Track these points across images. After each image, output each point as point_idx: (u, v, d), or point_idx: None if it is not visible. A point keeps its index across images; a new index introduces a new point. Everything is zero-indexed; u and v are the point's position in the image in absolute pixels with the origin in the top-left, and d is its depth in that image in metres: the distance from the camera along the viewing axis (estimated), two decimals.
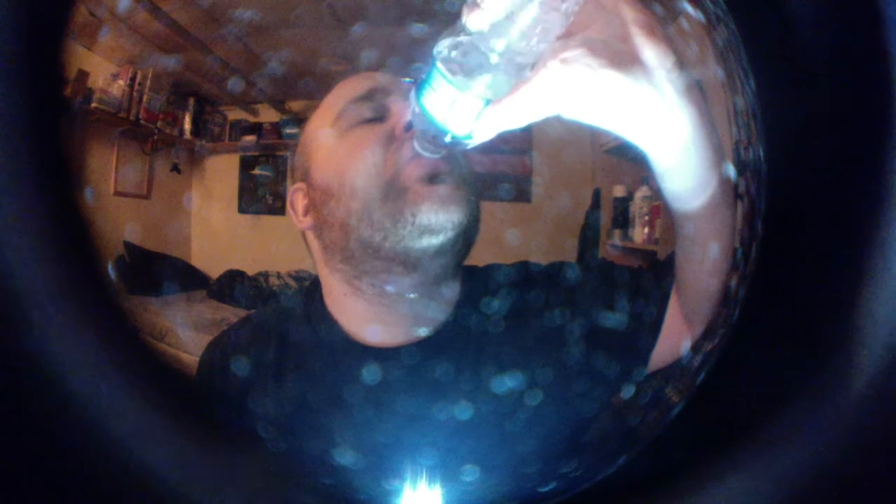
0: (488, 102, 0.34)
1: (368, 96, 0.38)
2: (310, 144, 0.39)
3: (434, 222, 0.36)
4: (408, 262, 0.37)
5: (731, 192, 0.40)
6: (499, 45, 0.32)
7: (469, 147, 0.36)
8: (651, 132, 0.35)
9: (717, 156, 0.37)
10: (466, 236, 0.38)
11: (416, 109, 0.35)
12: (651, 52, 0.32)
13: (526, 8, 0.31)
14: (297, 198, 0.39)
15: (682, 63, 0.33)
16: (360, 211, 0.37)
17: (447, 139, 0.35)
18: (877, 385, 0.40)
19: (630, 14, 0.33)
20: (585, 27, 0.33)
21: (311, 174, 0.39)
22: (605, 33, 0.32)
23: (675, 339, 0.42)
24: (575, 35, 0.33)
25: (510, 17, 0.31)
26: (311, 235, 0.40)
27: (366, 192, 0.37)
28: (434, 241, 0.36)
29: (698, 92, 0.35)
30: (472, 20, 0.32)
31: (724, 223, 0.40)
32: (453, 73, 0.33)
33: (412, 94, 0.35)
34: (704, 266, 0.41)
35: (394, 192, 0.36)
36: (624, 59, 0.32)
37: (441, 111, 0.34)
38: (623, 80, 0.32)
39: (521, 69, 0.33)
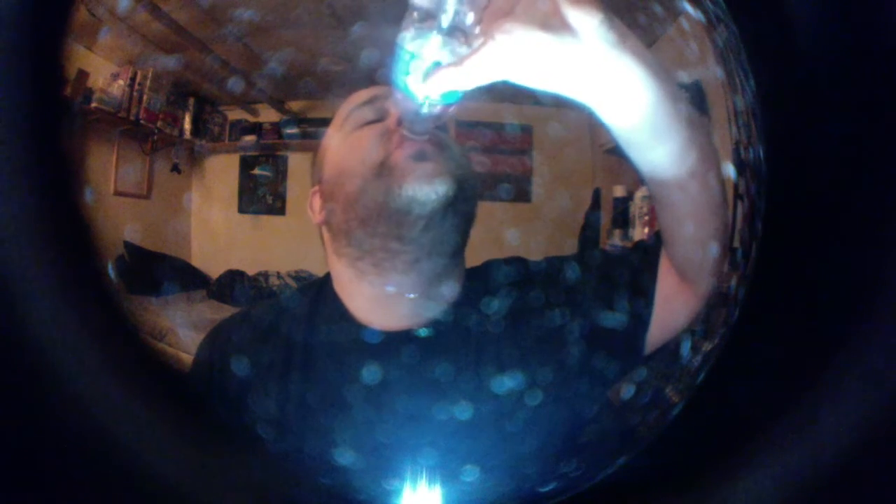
0: None
1: (371, 101, 0.41)
2: (322, 149, 0.42)
3: (419, 194, 0.39)
4: (401, 235, 0.39)
5: (705, 148, 0.40)
6: (443, 19, 0.35)
7: (445, 120, 0.39)
8: (593, 88, 0.36)
9: (674, 100, 0.38)
10: (462, 231, 0.40)
11: (394, 90, 0.38)
12: (575, 14, 0.34)
13: None
14: (314, 199, 0.42)
15: (611, 19, 0.35)
16: (357, 192, 0.40)
17: (424, 110, 0.38)
18: (877, 385, 0.40)
19: None
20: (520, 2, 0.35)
21: (322, 173, 0.42)
22: (537, 6, 0.35)
23: (673, 309, 0.43)
24: (512, 11, 0.35)
25: None
26: (324, 230, 0.42)
27: (362, 175, 0.40)
28: (422, 211, 0.39)
29: (637, 41, 0.36)
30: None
31: (699, 172, 0.40)
32: (409, 44, 0.36)
33: None
34: (687, 223, 0.41)
35: (385, 171, 0.39)
36: (553, 24, 0.35)
37: (404, 78, 0.37)
38: (553, 42, 0.35)
39: (467, 32, 0.36)
